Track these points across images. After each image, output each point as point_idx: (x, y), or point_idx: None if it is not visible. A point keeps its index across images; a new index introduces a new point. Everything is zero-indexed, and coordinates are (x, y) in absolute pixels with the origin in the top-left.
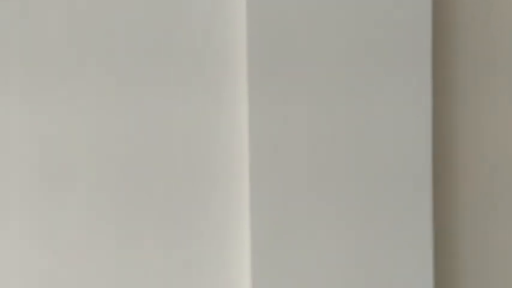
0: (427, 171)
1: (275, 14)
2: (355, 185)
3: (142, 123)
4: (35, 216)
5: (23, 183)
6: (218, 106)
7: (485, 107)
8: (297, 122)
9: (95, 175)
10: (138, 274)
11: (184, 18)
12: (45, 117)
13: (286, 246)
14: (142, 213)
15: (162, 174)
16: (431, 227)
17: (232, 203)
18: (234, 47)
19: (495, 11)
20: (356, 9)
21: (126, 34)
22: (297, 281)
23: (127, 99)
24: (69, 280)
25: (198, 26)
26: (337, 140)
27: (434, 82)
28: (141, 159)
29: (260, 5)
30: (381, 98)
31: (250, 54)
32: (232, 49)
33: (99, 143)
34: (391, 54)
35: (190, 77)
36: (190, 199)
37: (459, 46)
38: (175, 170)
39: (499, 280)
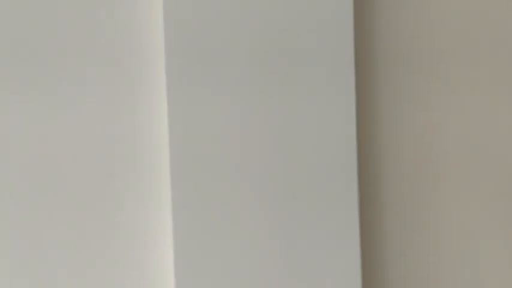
0: (353, 170)
1: (192, 11)
2: (279, 184)
3: (58, 123)
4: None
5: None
6: (137, 106)
7: (408, 105)
8: (217, 120)
9: (18, 173)
10: (55, 274)
11: (104, 17)
12: None
13: (209, 246)
14: (64, 214)
15: (85, 175)
16: (358, 226)
17: (153, 204)
18: (152, 46)
19: (415, 8)
20: (274, 7)
21: (46, 33)
22: (219, 281)
23: (46, 99)
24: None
25: (117, 26)
26: (258, 138)
27: (357, 80)
28: (61, 160)
29: (176, 3)
30: (304, 96)
31: (168, 53)
32: (150, 48)
33: (20, 143)
34: (313, 52)
35: (110, 77)
36: (111, 200)
37: (381, 42)
38: (96, 171)
39: (423, 278)
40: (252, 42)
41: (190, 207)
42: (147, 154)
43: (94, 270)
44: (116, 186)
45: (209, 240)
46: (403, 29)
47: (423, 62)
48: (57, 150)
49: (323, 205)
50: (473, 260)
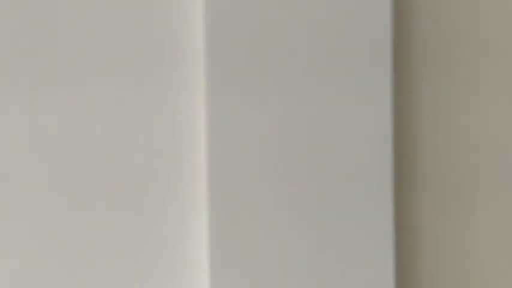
0: (388, 173)
1: (233, 13)
2: (314, 186)
3: (91, 124)
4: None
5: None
6: (175, 108)
7: (445, 107)
8: (254, 122)
9: (41, 176)
10: (82, 280)
11: (143, 18)
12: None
13: (244, 245)
14: (88, 218)
15: (114, 177)
16: (392, 228)
17: (189, 205)
18: (192, 46)
19: (453, 10)
20: (315, 9)
21: (88, 34)
22: (255, 281)
23: (75, 99)
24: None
25: (157, 27)
26: (295, 140)
27: (395, 81)
28: (90, 160)
29: (217, 4)
30: (340, 97)
31: (209, 54)
32: (191, 49)
33: (39, 144)
34: (350, 54)
35: (147, 77)
36: (148, 199)
37: (419, 43)
38: (128, 172)
39: (458, 278)
40: (290, 44)
41: (227, 208)
42: (185, 156)
43: (128, 270)
44: (154, 188)
45: (244, 241)
46: (443, 27)
47: (461, 61)
48: (97, 151)
49: (358, 206)
50: (508, 259)
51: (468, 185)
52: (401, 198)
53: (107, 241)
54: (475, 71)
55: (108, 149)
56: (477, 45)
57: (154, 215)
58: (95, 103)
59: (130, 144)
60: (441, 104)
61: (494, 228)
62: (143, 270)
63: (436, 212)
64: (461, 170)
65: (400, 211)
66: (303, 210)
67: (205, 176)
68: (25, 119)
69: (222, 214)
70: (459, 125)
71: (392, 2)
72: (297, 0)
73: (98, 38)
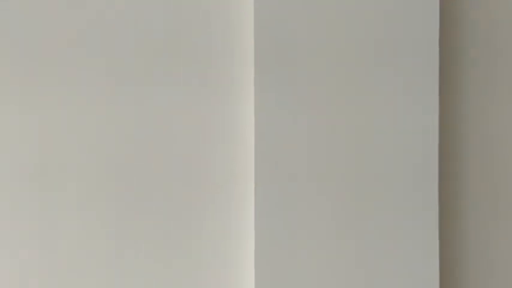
0: (434, 172)
1: (281, 14)
2: (360, 186)
3: (144, 123)
4: (28, 216)
5: (18, 184)
6: (224, 107)
7: (491, 106)
8: (302, 122)
9: (95, 175)
10: (138, 276)
11: (190, 18)
12: (36, 117)
13: (290, 247)
14: (142, 215)
15: (166, 175)
16: (437, 228)
17: (236, 205)
18: (241, 46)
19: (500, 11)
20: (363, 9)
21: (129, 33)
22: (300, 283)
23: (128, 99)
24: (67, 281)
25: (204, 26)
26: (342, 140)
27: (441, 81)
28: (143, 160)
29: (267, 5)
30: (387, 97)
31: (257, 54)
32: (239, 49)
33: (99, 143)
34: (398, 54)
35: (195, 77)
36: (193, 200)
37: (465, 45)
38: (179, 170)
39: (503, 280)
40: (338, 44)
41: (272, 210)
42: (232, 156)
43: (176, 271)
44: (199, 190)
45: (290, 243)
46: (490, 28)
47: (508, 63)
48: (141, 152)
49: (403, 207)
50: None
51: None
52: (447, 199)
53: (161, 236)
54: None
55: (161, 149)
56: None
57: (204, 213)
58: (147, 104)
59: (181, 144)
60: (489, 104)
61: None
62: (194, 265)
63: (481, 212)
64: (507, 170)
65: (445, 211)
66: (348, 213)
67: (253, 175)
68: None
69: (269, 216)
70: (506, 124)
71: (440, 2)
72: (346, 1)
73: (145, 38)
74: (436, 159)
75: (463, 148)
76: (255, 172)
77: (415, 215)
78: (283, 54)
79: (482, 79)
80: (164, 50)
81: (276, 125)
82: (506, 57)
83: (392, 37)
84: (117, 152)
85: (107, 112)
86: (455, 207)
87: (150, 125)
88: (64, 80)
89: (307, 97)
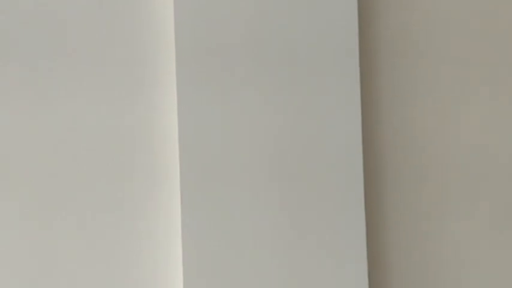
0: (359, 172)
1: (203, 11)
2: (286, 186)
3: (68, 121)
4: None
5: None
6: (147, 108)
7: (413, 108)
8: (226, 122)
9: (16, 173)
10: (67, 276)
11: (111, 19)
12: None
13: (218, 246)
14: (68, 215)
15: (89, 175)
16: (364, 227)
17: (163, 203)
18: (163, 48)
19: (417, 11)
20: (285, 11)
21: (57, 35)
22: (228, 282)
23: (58, 102)
24: None
25: (127, 28)
26: (266, 140)
27: (362, 82)
28: (68, 159)
29: (187, 6)
30: (309, 98)
31: (179, 55)
32: (161, 51)
33: (24, 143)
34: (319, 56)
35: (117, 79)
36: (118, 200)
37: (385, 46)
38: (105, 172)
39: (429, 278)
40: (259, 43)
41: (199, 208)
42: (157, 154)
43: (102, 270)
44: (124, 187)
45: (217, 240)
46: (407, 28)
47: (427, 62)
48: (69, 156)
49: (329, 207)
50: (476, 268)
51: (436, 188)
52: (372, 201)
53: (85, 236)
54: (443, 70)
55: (82, 146)
56: (446, 43)
57: (126, 212)
58: (70, 102)
59: (103, 145)
60: (410, 106)
61: (462, 235)
62: (122, 265)
63: (406, 214)
64: (430, 171)
65: (370, 213)
66: (276, 213)
67: (179, 175)
68: (15, 120)
69: (195, 214)
70: (427, 126)
71: (358, 3)
72: (270, 2)
73: (68, 33)
74: (360, 158)
75: (386, 151)
76: (180, 170)
77: (341, 213)
78: (204, 54)
79: (404, 79)
80: (85, 46)
81: (200, 126)
82: (430, 54)
83: (313, 36)
84: (40, 152)
85: (31, 112)
86: (380, 205)
87: (74, 123)
88: None
89: (229, 95)
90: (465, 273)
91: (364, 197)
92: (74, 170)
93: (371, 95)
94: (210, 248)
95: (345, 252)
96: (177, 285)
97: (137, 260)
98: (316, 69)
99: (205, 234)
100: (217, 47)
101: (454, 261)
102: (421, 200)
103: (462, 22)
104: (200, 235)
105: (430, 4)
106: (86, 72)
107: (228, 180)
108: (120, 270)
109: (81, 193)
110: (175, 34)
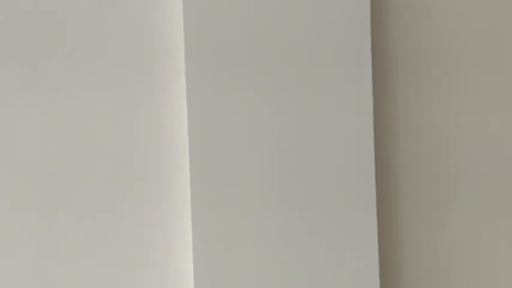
0: (370, 172)
1: (212, 12)
2: (297, 186)
3: (74, 121)
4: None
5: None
6: (157, 107)
7: (426, 107)
8: (237, 121)
9: (19, 178)
10: (72, 276)
11: (120, 19)
12: None
13: (228, 245)
14: (76, 215)
15: (98, 175)
16: (376, 226)
17: (174, 203)
18: (172, 48)
19: (430, 10)
20: (297, 10)
21: (61, 34)
22: (238, 281)
23: (63, 102)
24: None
25: (135, 27)
26: (277, 140)
27: (374, 82)
28: (73, 159)
29: (196, 5)
30: (321, 98)
31: (188, 55)
32: (170, 50)
33: (28, 144)
34: (331, 54)
35: (126, 78)
36: (126, 201)
37: (397, 45)
38: (117, 171)
39: (442, 278)
40: (270, 42)
41: (209, 207)
42: (167, 154)
43: (112, 271)
44: (134, 187)
45: (228, 240)
46: (422, 26)
47: (441, 60)
48: (78, 155)
49: (341, 207)
50: (488, 261)
51: (448, 184)
52: (383, 199)
53: (97, 237)
54: (457, 68)
55: (91, 148)
56: (460, 42)
57: (136, 213)
58: (76, 102)
59: (112, 146)
60: (423, 103)
61: (475, 228)
62: (131, 267)
63: (418, 212)
64: (443, 169)
65: (382, 211)
66: (286, 212)
67: (189, 175)
68: (14, 120)
69: (205, 215)
70: (439, 123)
71: (370, 4)
72: (278, 2)
73: (74, 34)
74: (372, 158)
75: (398, 148)
76: (190, 169)
77: (352, 213)
78: (214, 54)
79: (417, 77)
80: (93, 47)
81: (210, 126)
82: (443, 52)
83: (325, 34)
84: (46, 153)
85: (34, 112)
86: (392, 205)
87: (81, 123)
88: None
89: (240, 96)
90: (478, 272)
91: (375, 196)
92: (83, 171)
93: (383, 94)
94: (220, 248)
95: (357, 252)
96: (188, 285)
97: (148, 261)
98: (329, 68)
99: (215, 234)
100: (227, 45)
101: (466, 261)
102: (433, 200)
103: (475, 21)
104: (211, 235)
105: (443, 3)
106: (94, 73)
107: (239, 179)
108: (130, 271)
109: (91, 194)
110: (184, 33)
